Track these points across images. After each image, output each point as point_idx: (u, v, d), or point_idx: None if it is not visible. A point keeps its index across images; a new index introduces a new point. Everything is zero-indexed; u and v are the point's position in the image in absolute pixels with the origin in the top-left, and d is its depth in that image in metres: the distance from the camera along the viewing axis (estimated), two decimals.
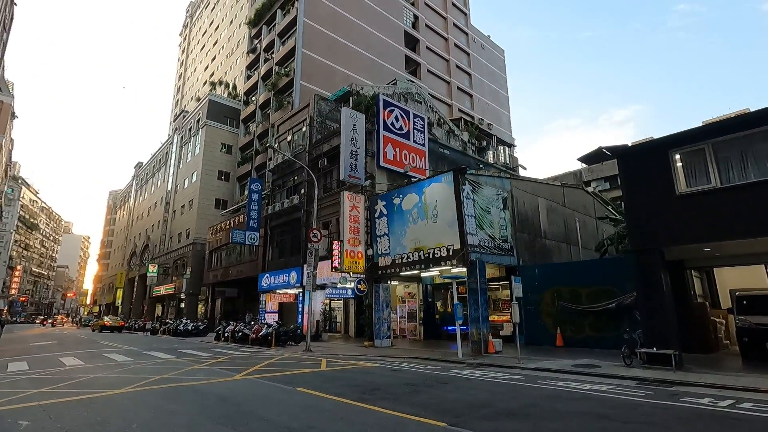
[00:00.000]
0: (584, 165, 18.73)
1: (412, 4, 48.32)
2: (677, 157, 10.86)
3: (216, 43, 57.03)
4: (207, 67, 58.53)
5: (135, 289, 50.40)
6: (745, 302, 11.38)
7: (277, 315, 26.06)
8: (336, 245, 18.47)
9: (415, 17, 48.07)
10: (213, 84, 48.97)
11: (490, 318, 16.11)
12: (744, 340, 11.07)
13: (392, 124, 21.53)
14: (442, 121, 29.11)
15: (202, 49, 62.64)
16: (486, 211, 16.04)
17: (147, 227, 51.09)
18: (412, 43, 46.34)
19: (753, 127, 9.87)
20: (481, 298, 14.19)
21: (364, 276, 18.17)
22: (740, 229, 9.80)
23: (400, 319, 21.21)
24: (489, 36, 60.77)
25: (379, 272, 17.90)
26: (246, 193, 30.32)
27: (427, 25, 49.26)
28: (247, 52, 42.77)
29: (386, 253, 17.62)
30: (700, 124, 15.04)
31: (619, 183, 12.53)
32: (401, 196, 17.39)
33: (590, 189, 32.57)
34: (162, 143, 53.98)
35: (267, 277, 26.19)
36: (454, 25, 54.08)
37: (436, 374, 9.93)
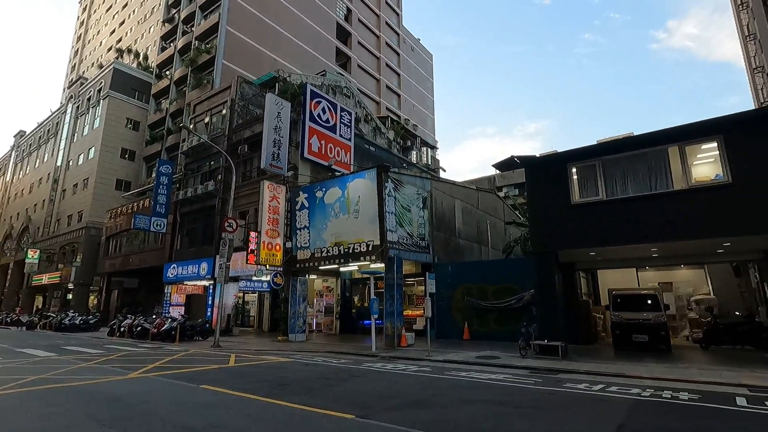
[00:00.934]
0: (498, 171, 20.19)
1: None
2: (574, 170, 12.17)
3: (126, 5, 51.24)
4: (114, 32, 52.37)
5: (9, 277, 43.57)
6: (618, 300, 13.16)
7: (183, 308, 24.33)
8: (253, 236, 17.72)
9: (349, 10, 47.75)
10: (120, 51, 43.98)
11: (405, 313, 16.66)
12: (616, 332, 12.79)
13: (319, 115, 21.18)
14: (370, 117, 29.33)
15: (108, 10, 55.87)
16: (406, 209, 16.53)
17: (28, 206, 44.39)
18: (344, 36, 45.95)
19: (633, 149, 11.42)
20: (396, 294, 14.61)
21: (282, 269, 17.71)
22: (618, 236, 11.30)
23: (316, 313, 21.04)
24: (419, 39, 62.47)
25: (298, 266, 17.56)
26: (154, 175, 27.78)
27: (360, 20, 49.20)
28: (164, 21, 39.09)
29: (306, 246, 17.34)
30: (595, 143, 17.03)
31: (526, 190, 13.68)
32: (324, 189, 17.21)
33: (501, 194, 35.19)
34: (52, 111, 47.15)
35: (174, 267, 24.30)
36: (387, 23, 54.71)
37: (350, 368, 10.03)
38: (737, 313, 13.56)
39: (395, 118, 39.19)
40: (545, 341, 11.18)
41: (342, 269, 18.58)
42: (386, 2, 55.49)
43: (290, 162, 20.11)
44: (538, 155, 14.10)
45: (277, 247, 17.70)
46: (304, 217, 17.65)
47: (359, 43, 48.15)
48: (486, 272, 16.53)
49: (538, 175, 12.90)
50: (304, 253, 17.34)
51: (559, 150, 16.37)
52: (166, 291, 24.74)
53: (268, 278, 18.13)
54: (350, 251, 15.67)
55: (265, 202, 17.51)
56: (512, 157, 13.49)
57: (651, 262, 14.85)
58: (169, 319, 18.61)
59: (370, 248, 15.04)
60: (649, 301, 12.71)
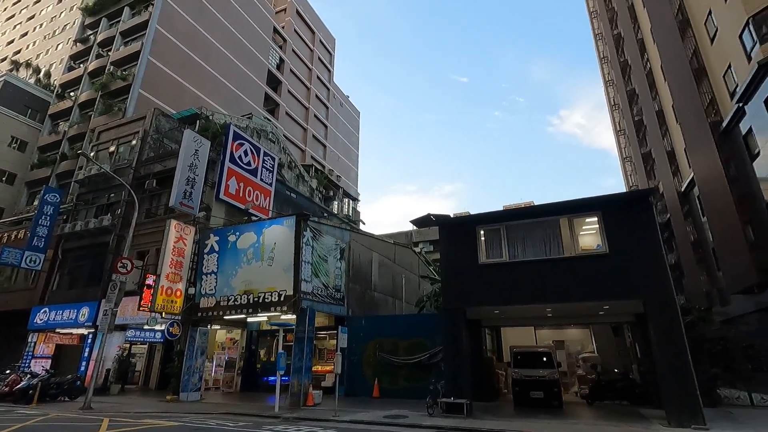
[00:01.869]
0: (415, 227, 21.04)
1: (281, 47, 49.15)
2: (482, 232, 13.14)
3: (33, 18, 46.91)
4: (12, 42, 47.21)
5: None
6: (519, 357, 13.94)
7: (50, 361, 20.60)
8: (150, 279, 16.03)
9: (282, 60, 48.80)
10: (16, 64, 39.50)
11: (314, 368, 15.87)
12: (516, 389, 13.40)
13: (240, 157, 20.64)
14: (294, 164, 29.28)
15: (9, 19, 50.62)
16: (323, 260, 16.30)
17: None
18: (274, 83, 46.48)
19: (532, 217, 12.74)
20: (307, 348, 13.95)
21: (180, 318, 16.06)
22: (519, 296, 12.20)
23: (215, 368, 19.14)
24: (348, 96, 65.40)
25: (200, 314, 16.09)
26: (36, 203, 24.32)
27: (292, 71, 50.39)
28: (76, 41, 36.28)
29: (211, 293, 16.06)
30: (501, 208, 18.73)
31: (439, 247, 14.37)
32: (238, 233, 16.41)
33: (417, 249, 36.48)
34: None
35: (45, 311, 20.80)
36: (318, 78, 56.68)
37: None
38: (615, 370, 15.07)
39: (320, 167, 39.60)
40: (451, 399, 11.31)
41: (250, 320, 17.41)
42: (319, 58, 57.87)
43: (203, 202, 19.02)
44: (452, 215, 15.05)
45: (178, 293, 16.14)
46: (212, 261, 16.50)
47: (289, 91, 48.96)
48: (399, 327, 16.60)
49: (451, 235, 13.69)
50: (209, 300, 16.01)
51: (472, 211, 17.61)
52: (29, 340, 20.89)
53: (163, 327, 16.29)
54: (260, 300, 14.82)
55: (170, 242, 16.12)
56: (429, 215, 14.22)
57: (547, 321, 16.14)
58: (28, 375, 15.57)
59: (282, 298, 14.38)
60: (545, 359, 13.65)
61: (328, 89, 59.02)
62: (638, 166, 34.96)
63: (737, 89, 16.10)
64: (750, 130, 16.03)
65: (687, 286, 26.62)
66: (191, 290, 16.45)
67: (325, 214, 28.04)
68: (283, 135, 34.89)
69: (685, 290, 26.49)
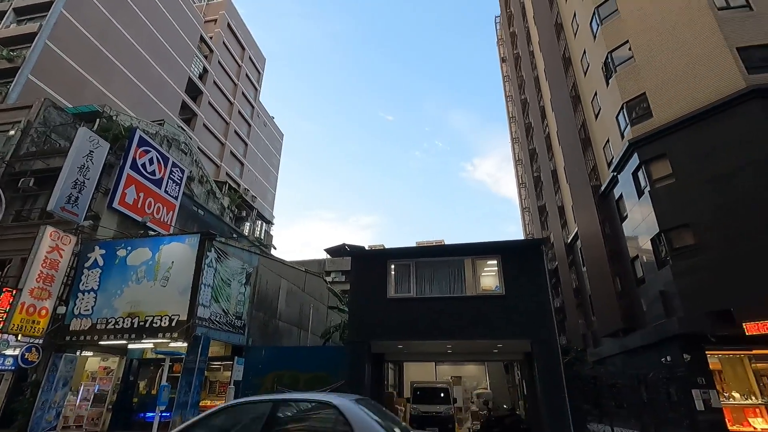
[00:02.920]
0: (329, 256, 20.81)
1: (206, 57, 47.12)
2: (393, 266, 13.44)
3: None
4: None
5: None
6: (418, 392, 14.18)
7: None
8: (6, 295, 13.58)
9: (205, 70, 46.68)
10: None
11: (203, 403, 14.42)
12: (414, 425, 13.51)
13: (144, 165, 18.90)
14: (206, 179, 27.56)
15: None
16: (226, 284, 15.28)
17: None
18: (194, 92, 44.07)
19: (440, 256, 13.38)
20: (196, 380, 12.70)
21: (41, 341, 13.70)
22: (423, 332, 12.55)
23: (80, 402, 16.48)
24: (273, 117, 64.24)
25: (69, 338, 13.89)
26: None
27: (215, 83, 48.35)
28: None
29: (87, 314, 14.02)
30: (414, 244, 19.40)
31: (350, 278, 14.34)
32: (130, 248, 14.75)
33: (329, 279, 35.98)
34: None
35: None
36: (243, 94, 55.07)
37: None
38: (504, 406, 16.01)
39: (234, 185, 37.76)
40: None
41: (131, 346, 15.45)
42: (247, 75, 56.47)
43: (92, 210, 16.88)
44: (367, 247, 15.23)
45: (43, 312, 13.84)
46: (94, 277, 14.52)
47: (210, 103, 46.72)
48: (301, 359, 15.94)
49: (363, 266, 13.77)
50: (83, 322, 13.94)
51: (387, 244, 17.96)
52: None
53: (17, 353, 13.72)
54: (147, 325, 13.29)
55: (42, 252, 13.92)
56: (344, 245, 14.25)
57: (447, 357, 16.74)
58: None
59: (174, 323, 13.05)
60: (443, 394, 14.05)
61: (252, 107, 57.50)
62: (535, 217, 38.97)
63: (613, 160, 18.98)
64: (621, 196, 18.87)
65: (568, 327, 29.65)
66: (61, 309, 14.21)
67: (235, 235, 26.54)
68: (198, 147, 32.86)
69: (567, 331, 29.46)
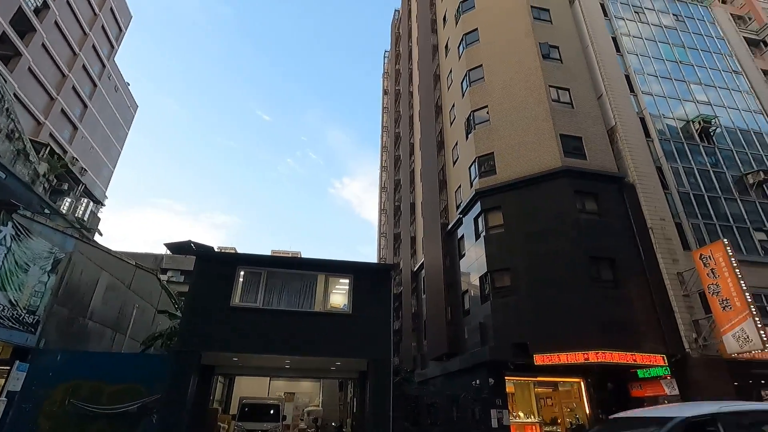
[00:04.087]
0: (169, 252, 18.52)
1: None
2: (242, 273, 12.65)
3: None
4: None
5: None
6: (246, 409, 13.38)
7: None
8: None
9: (46, 5, 38.15)
10: None
11: None
12: None
13: None
14: (19, 135, 22.06)
15: None
16: (22, 269, 12.26)
17: None
18: (24, 26, 35.47)
19: (294, 268, 13.14)
20: None
21: None
22: (265, 345, 12.00)
23: None
24: (129, 85, 55.66)
25: None
26: None
27: (57, 23, 39.80)
28: None
29: None
30: (269, 252, 18.64)
31: (191, 280, 12.98)
32: None
33: (165, 277, 31.91)
34: None
35: None
36: (94, 48, 46.53)
37: None
38: (333, 424, 16.22)
39: (60, 151, 31.10)
40: None
41: None
42: (103, 27, 48.03)
43: None
44: (217, 248, 14.03)
45: None
46: None
47: (44, 45, 38.12)
48: (111, 367, 13.55)
49: (208, 269, 12.63)
50: None
51: (239, 249, 16.83)
52: None
53: None
54: None
55: None
56: (190, 242, 12.86)
57: (284, 372, 16.26)
58: None
59: None
60: (272, 411, 13.53)
61: (104, 66, 48.87)
62: (389, 243, 41.54)
63: (461, 204, 21.61)
64: (463, 236, 21.50)
65: (402, 349, 31.93)
66: None
67: (47, 211, 21.68)
68: (15, 93, 26.22)
69: (400, 353, 31.67)
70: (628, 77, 22.25)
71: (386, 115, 54.04)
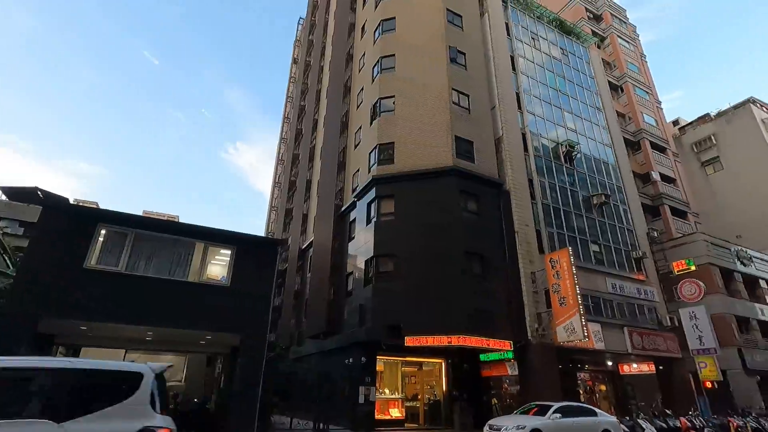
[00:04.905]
0: (5, 197, 15.37)
1: None
2: (103, 231, 11.11)
3: None
4: None
5: None
6: None
7: None
8: None
9: None
10: None
11: None
12: None
13: None
14: None
15: None
16: None
17: None
18: None
19: (170, 233, 11.97)
20: None
21: None
22: (127, 315, 10.74)
23: None
24: None
25: None
26: None
27: None
28: None
29: None
30: (141, 212, 16.62)
31: (33, 233, 10.97)
32: None
33: None
34: None
35: None
36: None
37: None
38: (195, 400, 15.36)
39: None
40: None
41: None
42: None
43: None
44: (73, 200, 12.02)
45: None
46: None
47: None
48: None
49: (60, 222, 10.79)
50: None
51: (102, 205, 14.68)
52: None
53: None
54: None
55: None
56: (36, 189, 10.77)
57: (144, 345, 14.80)
58: None
59: None
60: None
61: None
62: (280, 218, 40.33)
63: (357, 188, 21.91)
64: (355, 219, 21.88)
65: (280, 326, 31.52)
66: None
67: None
68: None
69: (278, 329, 31.24)
70: (518, 95, 24.75)
71: (293, 86, 51.82)
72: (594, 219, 23.88)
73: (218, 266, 12.94)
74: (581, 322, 16.75)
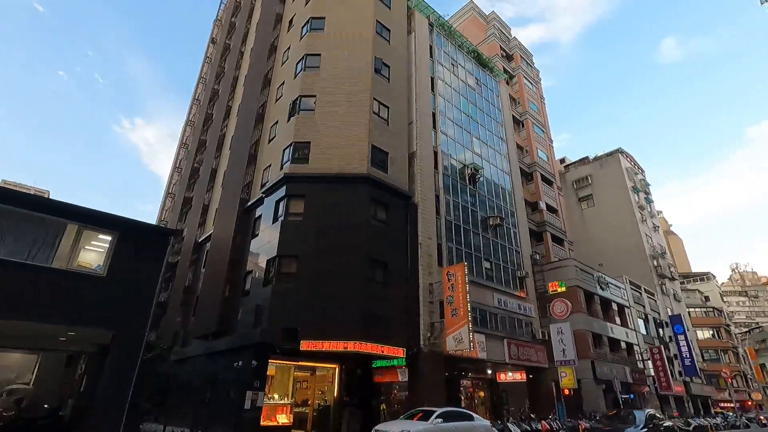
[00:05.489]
0: None
1: None
2: None
3: None
4: None
5: None
6: None
7: None
8: None
9: None
10: None
11: None
12: None
13: None
14: None
15: None
16: None
17: None
18: None
19: (35, 210, 10.25)
20: None
21: None
22: None
23: None
24: None
25: None
26: None
27: None
28: None
29: None
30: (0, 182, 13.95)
31: None
32: None
33: None
34: None
35: None
36: None
37: None
38: (46, 405, 13.23)
39: None
40: None
41: None
42: None
43: None
44: None
45: None
46: None
47: None
48: None
49: None
50: None
51: None
52: None
53: None
54: None
55: None
56: None
57: None
58: None
59: None
60: None
61: None
62: (177, 206, 36.98)
63: (267, 184, 21.05)
64: (260, 216, 20.96)
65: (163, 324, 28.70)
66: None
67: None
68: None
69: (160, 328, 28.40)
70: (434, 115, 26.10)
71: (208, 66, 48.27)
72: (489, 238, 26.02)
73: (94, 253, 11.40)
74: (469, 332, 18.02)
